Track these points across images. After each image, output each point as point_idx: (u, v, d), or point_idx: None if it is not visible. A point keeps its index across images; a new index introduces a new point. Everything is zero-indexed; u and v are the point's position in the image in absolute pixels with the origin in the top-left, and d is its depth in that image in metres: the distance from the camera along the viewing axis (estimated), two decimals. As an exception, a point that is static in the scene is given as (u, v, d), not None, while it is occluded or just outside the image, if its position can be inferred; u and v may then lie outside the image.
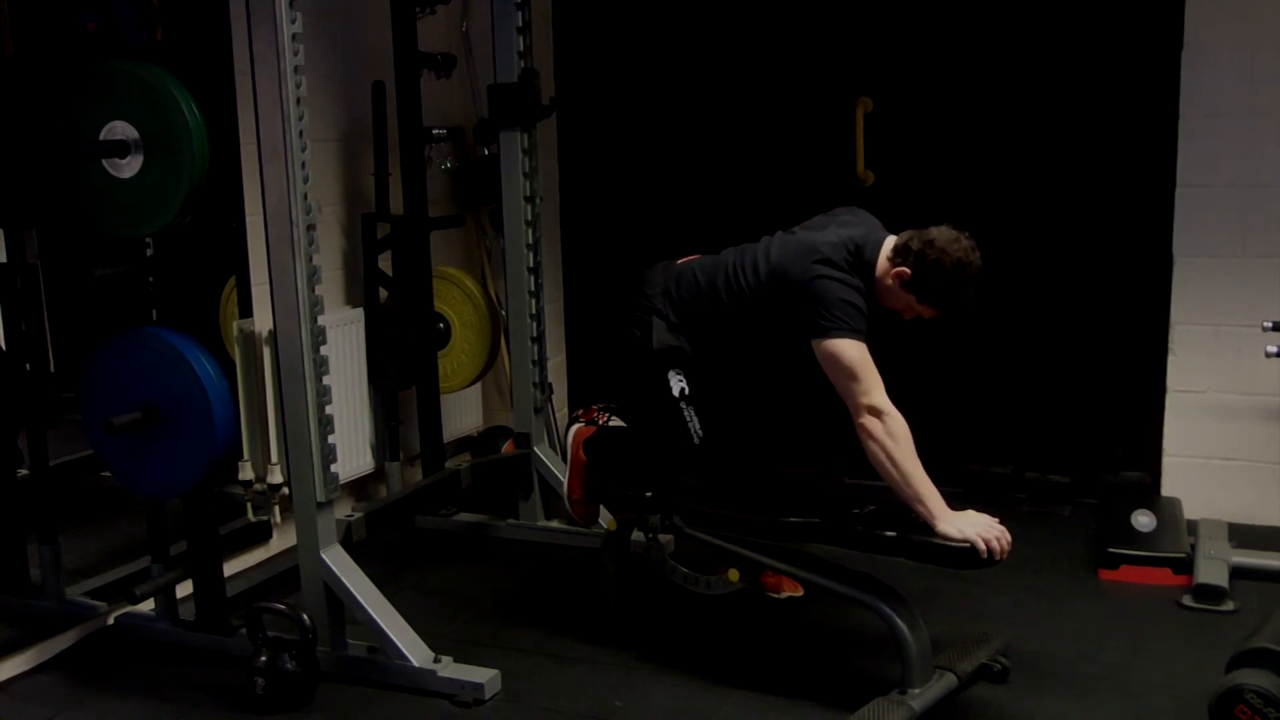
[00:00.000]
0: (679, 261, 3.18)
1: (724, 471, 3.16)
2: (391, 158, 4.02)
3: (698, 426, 3.03)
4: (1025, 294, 4.22)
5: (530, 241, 3.99)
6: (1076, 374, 4.26)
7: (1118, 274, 4.14)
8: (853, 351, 2.79)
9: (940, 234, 2.84)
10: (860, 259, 2.89)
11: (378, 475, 4.23)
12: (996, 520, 2.71)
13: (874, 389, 2.78)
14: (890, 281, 2.87)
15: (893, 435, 2.75)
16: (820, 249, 2.88)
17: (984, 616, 3.30)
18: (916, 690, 2.72)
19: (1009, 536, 2.69)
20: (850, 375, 2.78)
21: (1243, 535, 3.67)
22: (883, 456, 2.75)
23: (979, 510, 2.74)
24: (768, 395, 3.35)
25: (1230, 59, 3.79)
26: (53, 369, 3.51)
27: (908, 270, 2.83)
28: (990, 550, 2.65)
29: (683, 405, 3.03)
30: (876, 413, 2.76)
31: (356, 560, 3.09)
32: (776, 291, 2.91)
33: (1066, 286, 4.22)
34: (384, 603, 3.04)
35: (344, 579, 3.01)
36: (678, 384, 3.04)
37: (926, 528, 2.72)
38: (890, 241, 2.91)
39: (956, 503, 2.76)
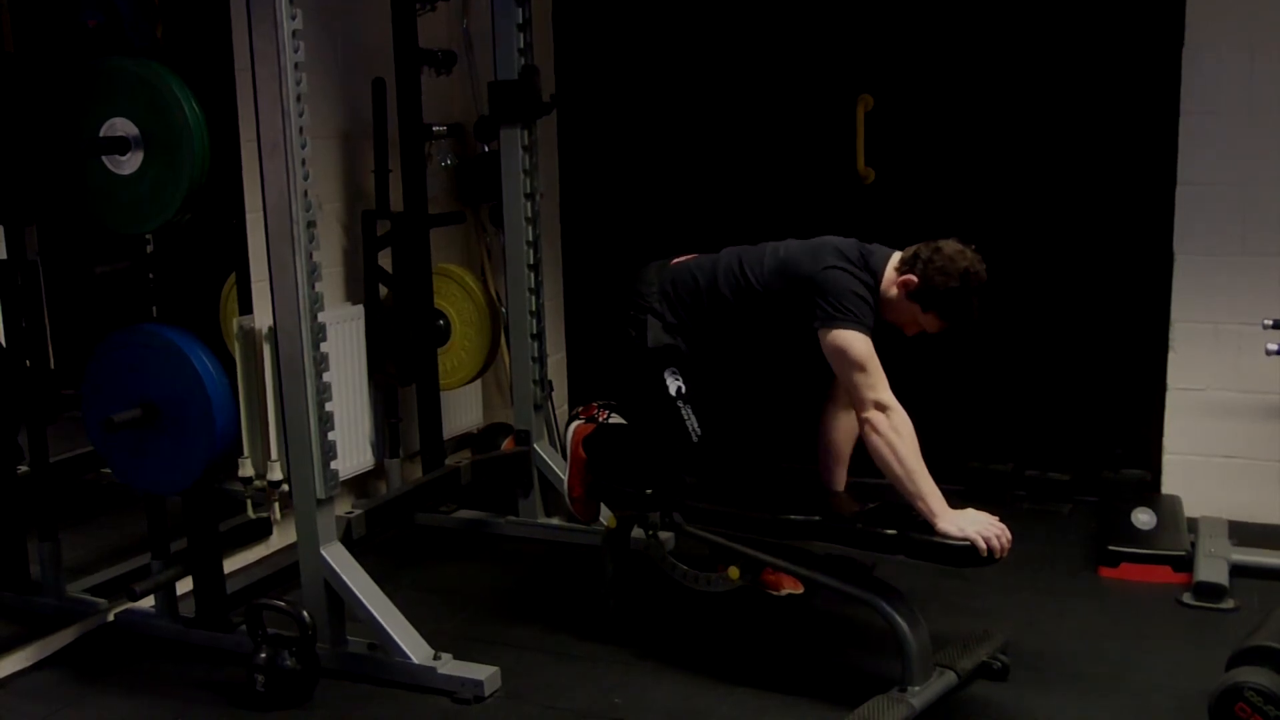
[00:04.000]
0: (673, 262, 3.18)
1: (723, 469, 3.16)
2: (392, 154, 4.02)
3: (695, 425, 3.03)
4: (1026, 291, 4.22)
5: (530, 238, 3.98)
6: (1077, 371, 4.26)
7: (1118, 271, 4.14)
8: (861, 344, 2.79)
9: (947, 245, 2.85)
10: (867, 267, 2.90)
11: (378, 472, 4.23)
12: (996, 518, 2.72)
13: (880, 383, 2.79)
14: (895, 291, 2.87)
15: (897, 430, 2.75)
16: (832, 244, 2.93)
17: (984, 614, 3.30)
18: (916, 688, 2.72)
19: (1009, 534, 2.70)
20: (858, 367, 2.79)
21: (1243, 533, 3.67)
22: (886, 452, 2.75)
23: (979, 508, 2.74)
24: (768, 393, 3.35)
25: (1231, 57, 3.79)
26: (53, 366, 3.50)
27: (914, 278, 2.83)
28: (990, 548, 2.65)
29: (680, 404, 3.04)
30: (882, 407, 2.77)
31: (356, 557, 3.09)
32: (785, 285, 2.92)
33: (1067, 284, 4.22)
34: (384, 600, 3.04)
35: (344, 576, 3.01)
36: (674, 383, 3.04)
37: (927, 526, 2.72)
38: (896, 255, 2.92)
39: (957, 500, 2.76)
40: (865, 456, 2.85)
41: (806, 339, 2.87)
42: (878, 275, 2.89)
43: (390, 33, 3.98)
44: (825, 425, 3.20)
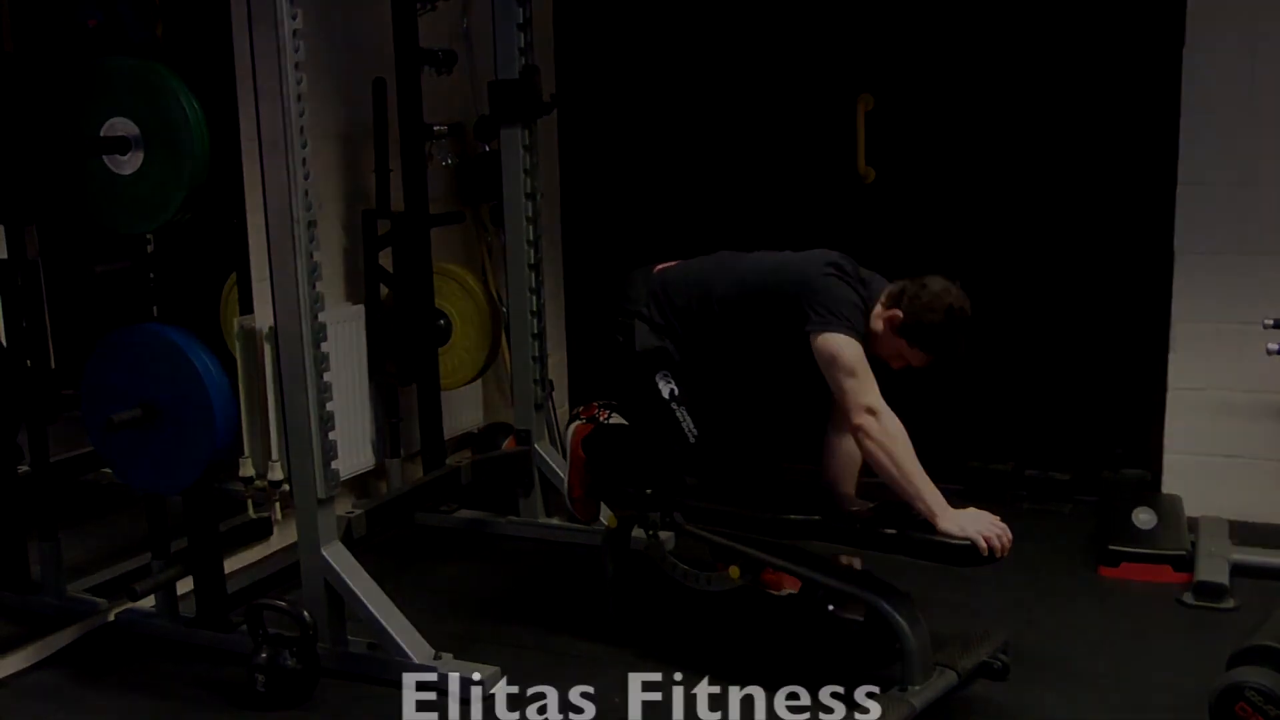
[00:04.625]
0: (657, 268, 3.18)
1: (722, 469, 3.16)
2: (392, 154, 4.02)
3: (691, 425, 3.03)
4: (1027, 291, 4.22)
5: (531, 238, 3.98)
6: (1077, 371, 4.26)
7: (1119, 271, 4.14)
8: (852, 350, 2.80)
9: (933, 281, 2.87)
10: (863, 284, 2.93)
11: (378, 472, 4.23)
12: (997, 518, 2.72)
13: (870, 389, 2.80)
14: (881, 325, 2.89)
15: (889, 434, 2.76)
16: (831, 256, 2.94)
17: (984, 614, 3.30)
18: (917, 687, 2.72)
19: (1010, 534, 2.70)
20: (849, 372, 2.79)
21: (1243, 532, 3.67)
22: (881, 456, 2.76)
23: (979, 507, 2.74)
24: (766, 393, 3.35)
25: (1232, 56, 3.79)
26: (53, 365, 3.50)
27: (899, 313, 2.85)
28: (991, 547, 2.65)
29: (674, 406, 3.04)
30: (873, 412, 2.77)
31: (357, 557, 3.09)
32: (780, 287, 2.93)
33: (1068, 283, 4.22)
34: (384, 599, 3.04)
35: (344, 576, 3.01)
36: (666, 386, 3.04)
37: (927, 525, 2.72)
38: (886, 289, 2.93)
39: (957, 500, 2.76)
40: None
41: (800, 343, 2.87)
42: (870, 303, 2.91)
43: (390, 32, 3.98)
44: (829, 451, 3.18)
